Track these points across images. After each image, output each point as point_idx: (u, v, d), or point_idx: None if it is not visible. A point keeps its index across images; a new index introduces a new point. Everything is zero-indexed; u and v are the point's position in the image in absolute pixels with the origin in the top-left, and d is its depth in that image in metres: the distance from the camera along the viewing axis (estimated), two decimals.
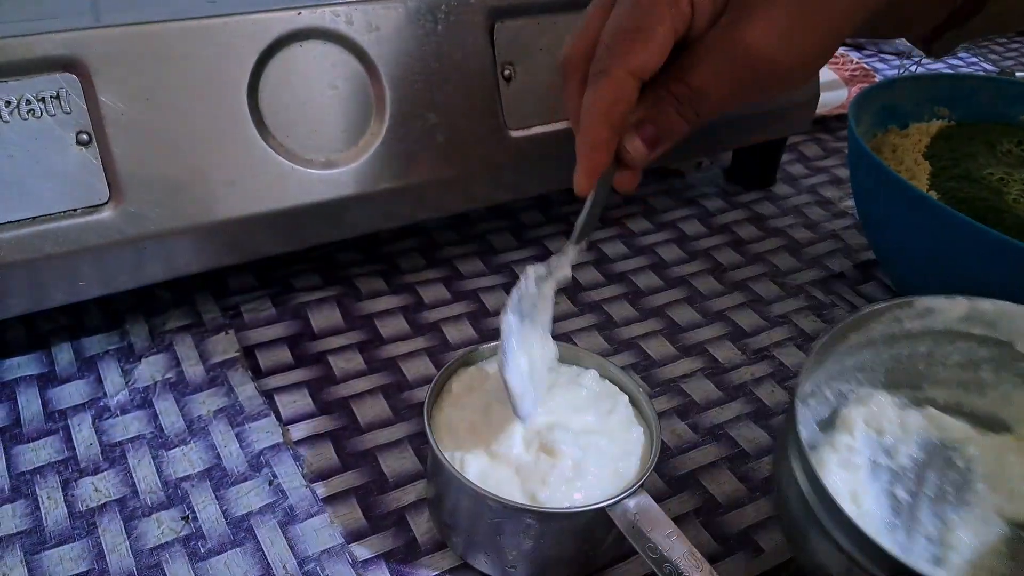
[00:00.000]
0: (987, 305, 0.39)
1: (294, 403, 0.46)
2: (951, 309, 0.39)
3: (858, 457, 0.37)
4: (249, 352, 0.49)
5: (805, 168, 0.75)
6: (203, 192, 0.43)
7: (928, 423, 0.39)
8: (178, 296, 0.52)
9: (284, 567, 0.38)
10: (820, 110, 0.75)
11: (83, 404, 0.45)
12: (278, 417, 0.45)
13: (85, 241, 0.41)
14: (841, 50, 1.00)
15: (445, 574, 0.38)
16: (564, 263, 0.37)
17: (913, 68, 0.96)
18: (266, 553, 0.39)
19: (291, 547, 0.39)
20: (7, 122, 0.38)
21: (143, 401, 0.45)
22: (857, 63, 0.94)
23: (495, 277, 0.57)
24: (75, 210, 0.41)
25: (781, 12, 0.33)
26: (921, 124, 0.60)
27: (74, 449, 0.43)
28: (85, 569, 0.37)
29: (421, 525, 0.40)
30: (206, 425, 0.44)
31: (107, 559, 0.38)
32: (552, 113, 0.52)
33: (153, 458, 0.42)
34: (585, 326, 0.54)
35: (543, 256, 0.59)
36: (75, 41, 0.39)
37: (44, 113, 0.39)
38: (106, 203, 0.41)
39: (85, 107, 0.40)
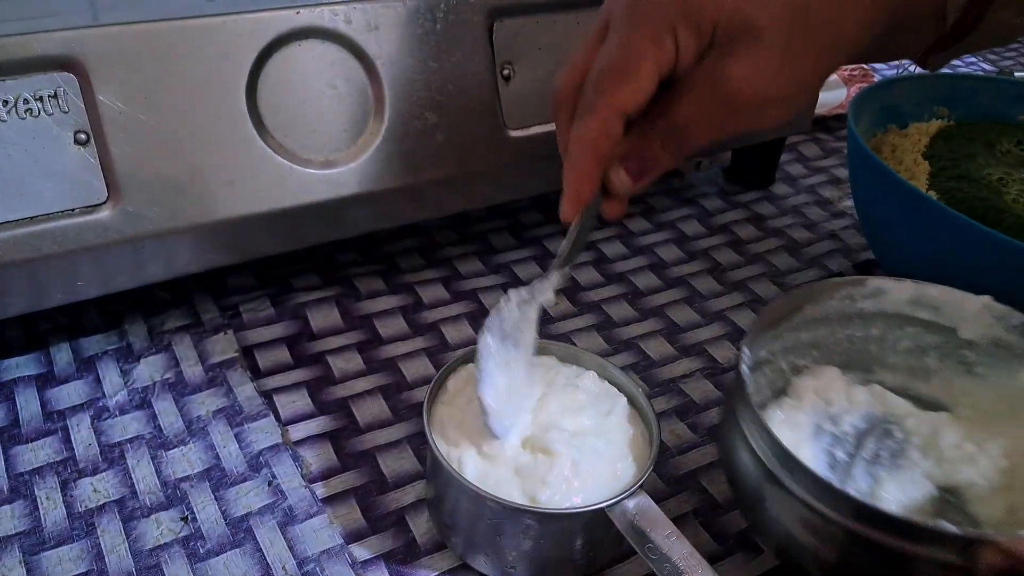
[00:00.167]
0: (933, 290, 0.41)
1: (293, 403, 0.46)
2: (899, 291, 0.41)
3: (803, 420, 0.40)
4: (248, 352, 0.49)
5: (804, 168, 0.75)
6: (202, 192, 0.43)
7: (873, 398, 0.42)
8: (177, 296, 0.52)
9: (283, 568, 0.38)
10: (819, 110, 0.75)
11: (82, 404, 0.45)
12: (277, 417, 0.45)
13: (83, 241, 0.41)
14: None
15: (444, 575, 0.38)
16: (547, 287, 0.38)
17: (912, 68, 0.96)
18: (265, 554, 0.38)
19: (290, 548, 0.39)
20: (5, 121, 0.38)
21: (142, 401, 0.45)
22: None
23: (494, 277, 0.57)
24: (73, 210, 0.40)
25: (764, 52, 0.33)
26: (920, 124, 0.60)
27: (73, 450, 0.42)
28: (84, 570, 0.37)
29: (420, 526, 0.40)
30: (205, 425, 0.44)
31: (106, 560, 0.38)
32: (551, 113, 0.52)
33: (152, 458, 0.42)
34: (584, 326, 0.54)
35: (542, 256, 0.59)
36: (73, 40, 0.39)
37: (42, 112, 0.39)
38: (104, 203, 0.41)
39: (83, 106, 0.39)
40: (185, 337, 0.50)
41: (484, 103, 0.49)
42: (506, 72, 0.50)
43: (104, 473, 0.41)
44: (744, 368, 0.36)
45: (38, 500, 0.40)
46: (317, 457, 0.43)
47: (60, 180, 0.40)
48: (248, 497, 0.41)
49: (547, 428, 0.37)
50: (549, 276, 0.38)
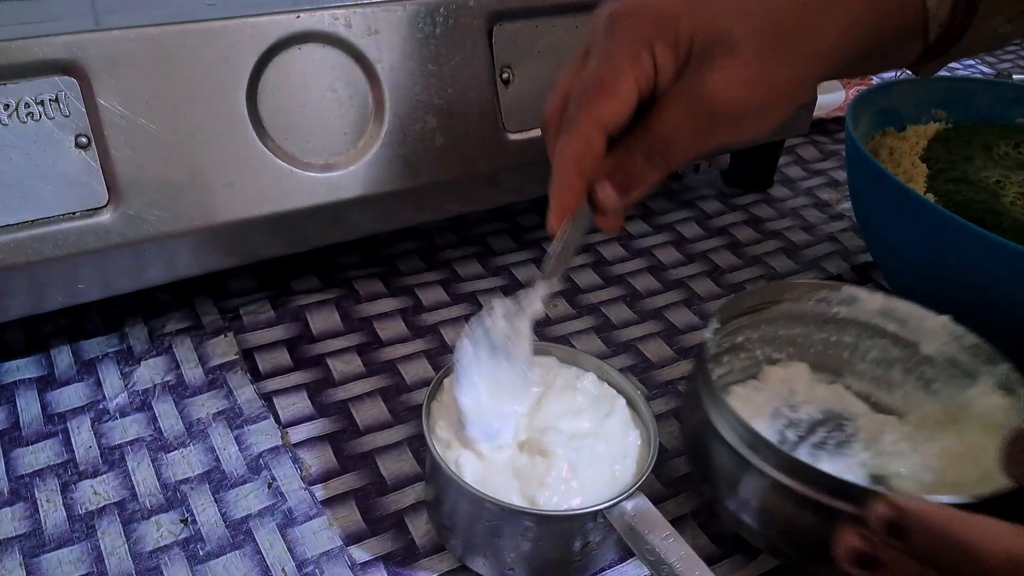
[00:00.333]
0: (900, 304, 0.44)
1: (293, 406, 0.46)
2: (871, 301, 0.44)
3: (764, 401, 0.44)
4: (248, 355, 0.49)
5: (803, 170, 0.76)
6: (202, 195, 0.43)
7: (834, 396, 0.45)
8: (177, 299, 0.52)
9: (283, 570, 0.38)
10: (818, 112, 0.75)
11: (82, 407, 0.45)
12: (277, 420, 0.45)
13: (84, 244, 0.41)
14: None
15: None
16: (534, 298, 0.38)
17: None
18: (265, 556, 0.39)
19: (290, 550, 0.39)
20: (6, 125, 0.38)
21: (142, 404, 0.45)
22: None
23: (494, 279, 0.57)
24: (74, 213, 0.41)
25: (739, 61, 0.34)
26: (918, 127, 0.60)
27: (73, 452, 0.43)
28: (84, 572, 0.37)
29: (420, 527, 0.40)
30: (205, 428, 0.44)
31: (106, 562, 0.38)
32: None
33: (152, 461, 0.42)
34: (583, 328, 0.54)
35: (541, 258, 0.59)
36: (74, 44, 0.39)
37: (43, 116, 0.39)
38: (105, 206, 0.41)
39: (84, 110, 0.40)
40: (185, 339, 0.50)
41: (484, 106, 0.49)
42: (505, 75, 0.50)
43: (104, 475, 0.42)
44: (708, 335, 0.40)
45: (38, 502, 0.40)
46: (317, 459, 0.43)
47: (61, 183, 0.40)
48: (248, 499, 0.41)
49: (545, 430, 0.37)
50: (536, 288, 0.38)
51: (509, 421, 0.38)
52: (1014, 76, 0.98)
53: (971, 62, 1.04)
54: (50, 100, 0.39)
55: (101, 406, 0.45)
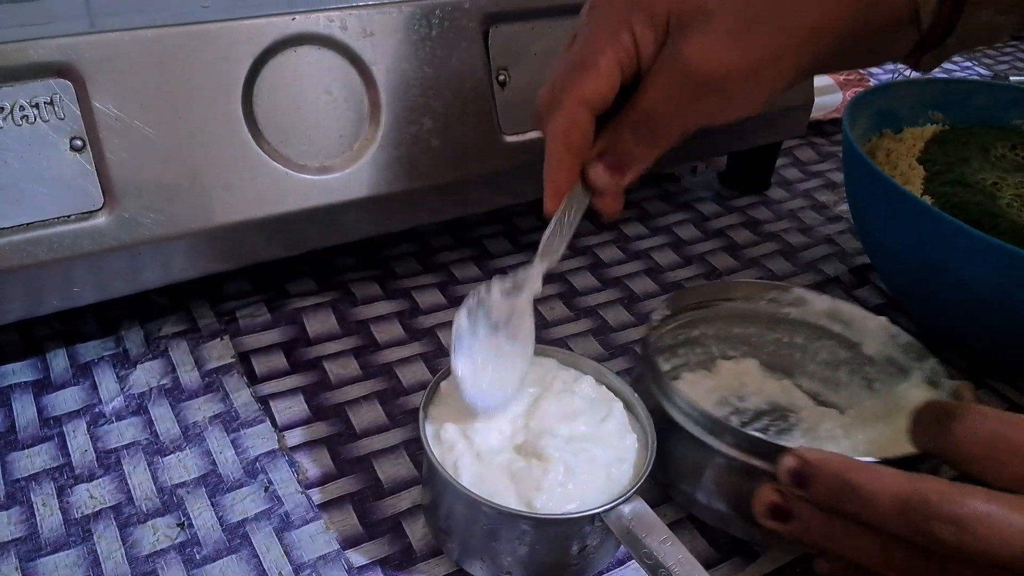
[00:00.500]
0: (845, 306, 0.46)
1: (289, 409, 0.46)
2: (818, 303, 0.47)
3: (712, 387, 0.46)
4: (244, 358, 0.49)
5: (800, 172, 0.76)
6: (198, 198, 0.43)
7: (782, 391, 0.47)
8: (173, 302, 0.52)
9: (280, 573, 0.38)
10: (815, 114, 0.75)
11: (78, 410, 0.45)
12: (273, 423, 0.45)
13: (79, 247, 0.41)
14: None
15: None
16: (533, 276, 0.39)
17: (907, 72, 0.96)
18: (262, 559, 0.38)
19: (287, 554, 0.39)
20: (1, 128, 0.38)
21: (138, 407, 0.45)
22: None
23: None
24: (69, 216, 0.41)
25: (715, 29, 0.35)
26: (915, 128, 0.60)
27: (69, 456, 0.42)
28: None
29: (417, 531, 0.40)
30: (201, 431, 0.44)
31: (102, 566, 0.38)
32: None
33: (148, 465, 0.42)
34: (581, 331, 0.54)
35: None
36: (69, 47, 0.39)
37: (38, 119, 0.39)
38: (100, 209, 0.41)
39: (79, 113, 0.39)
40: (181, 343, 0.50)
41: (480, 108, 0.49)
42: (501, 77, 0.50)
43: (100, 479, 0.41)
44: (654, 317, 0.44)
45: (34, 506, 0.40)
46: (313, 463, 0.43)
47: (56, 186, 0.40)
48: (244, 503, 0.41)
49: (542, 433, 0.37)
50: (533, 266, 0.39)
51: (510, 396, 0.38)
52: (1011, 78, 0.98)
53: (968, 63, 1.05)
54: (45, 103, 0.39)
55: (97, 409, 0.45)
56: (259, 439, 0.44)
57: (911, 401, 0.42)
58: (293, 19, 0.43)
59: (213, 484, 0.42)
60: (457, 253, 0.60)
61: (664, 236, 0.64)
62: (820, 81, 0.87)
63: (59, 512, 0.40)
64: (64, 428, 0.44)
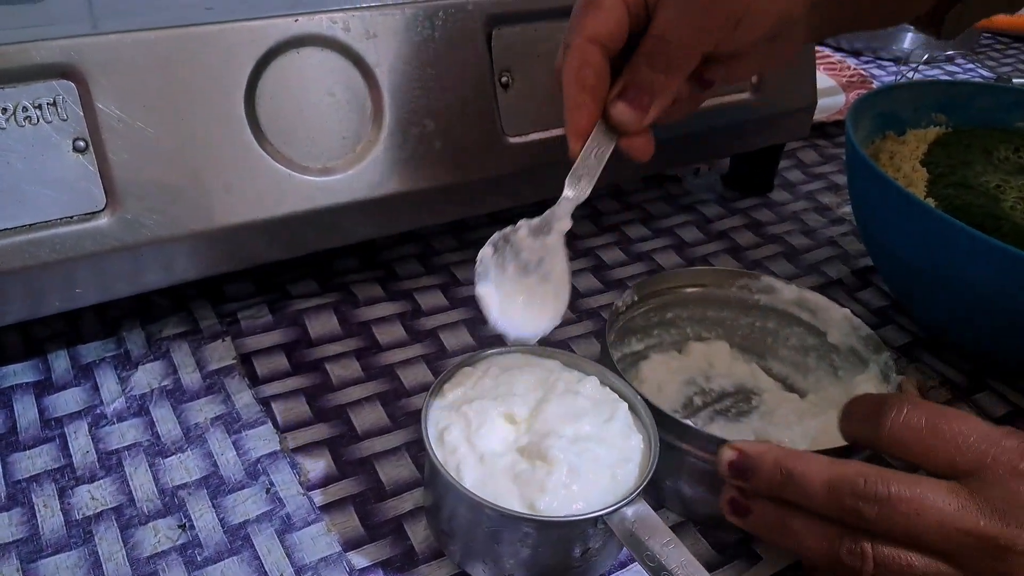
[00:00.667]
0: (811, 296, 0.48)
1: (291, 410, 0.46)
2: (786, 292, 0.49)
3: (680, 368, 0.48)
4: (246, 359, 0.49)
5: (803, 174, 0.76)
6: (200, 199, 0.43)
7: (749, 374, 0.49)
8: (175, 303, 0.52)
9: (281, 575, 0.38)
10: (818, 116, 0.75)
11: (79, 412, 0.45)
12: (275, 425, 0.45)
13: (82, 248, 0.41)
14: (839, 56, 1.00)
15: None
16: (561, 213, 0.39)
17: (911, 75, 0.96)
18: (263, 561, 0.38)
19: (288, 555, 0.39)
20: (4, 129, 0.38)
21: (140, 409, 0.45)
22: (855, 69, 0.94)
23: None
24: (72, 217, 0.41)
25: None
26: (919, 131, 0.60)
27: (70, 457, 0.42)
28: None
29: (419, 533, 0.40)
30: (203, 433, 0.44)
31: (103, 567, 0.38)
32: (549, 120, 0.52)
33: (150, 466, 0.42)
34: (583, 332, 0.54)
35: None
36: (72, 48, 0.39)
37: (41, 120, 0.39)
38: (103, 210, 0.41)
39: (82, 114, 0.39)
40: (183, 344, 0.50)
41: (482, 110, 0.49)
42: (504, 79, 0.50)
43: (102, 480, 0.41)
44: (619, 303, 0.46)
45: (36, 507, 0.40)
46: (315, 464, 0.43)
47: (59, 187, 0.40)
48: (246, 505, 0.41)
49: (546, 435, 0.37)
50: (560, 204, 0.39)
51: (545, 329, 0.39)
52: (1014, 80, 0.98)
53: (971, 66, 1.05)
54: (48, 104, 0.39)
55: (98, 411, 0.45)
56: (260, 440, 0.44)
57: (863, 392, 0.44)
58: (296, 20, 0.43)
59: (214, 486, 0.42)
60: (459, 255, 0.60)
61: (666, 238, 0.64)
62: (823, 83, 0.87)
63: (60, 513, 0.40)
64: (65, 429, 0.44)
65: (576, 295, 0.57)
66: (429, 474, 0.38)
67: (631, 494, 0.35)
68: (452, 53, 0.47)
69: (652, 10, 0.38)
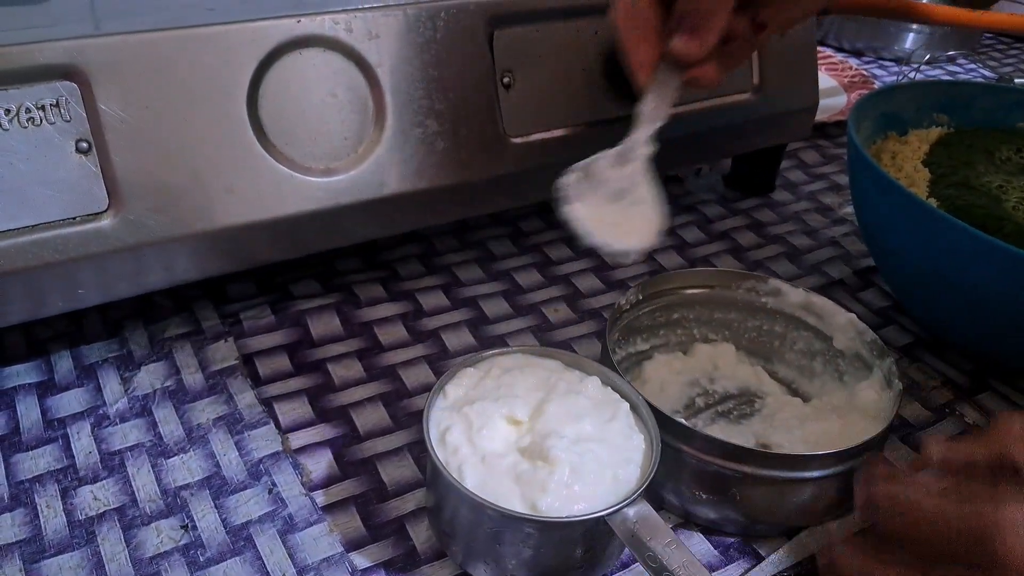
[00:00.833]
0: (818, 300, 0.48)
1: (293, 411, 0.46)
2: (793, 295, 0.49)
3: (684, 369, 0.48)
4: (248, 360, 0.49)
5: (804, 175, 0.76)
6: (202, 200, 0.43)
7: (753, 376, 0.49)
8: (177, 304, 0.52)
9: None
10: (820, 116, 0.75)
11: (82, 412, 0.45)
12: (277, 425, 0.45)
13: (84, 249, 0.41)
14: (840, 56, 1.00)
15: None
16: (639, 140, 0.40)
17: (912, 75, 0.96)
18: (265, 562, 0.38)
19: (290, 556, 0.39)
20: (7, 130, 0.38)
21: (142, 409, 0.45)
22: (856, 69, 0.94)
23: (495, 284, 0.57)
24: (74, 218, 0.41)
25: None
26: (920, 131, 0.60)
27: (73, 457, 0.42)
28: None
29: (420, 534, 0.40)
30: (205, 433, 0.44)
31: (106, 568, 0.38)
32: (551, 120, 0.52)
33: (152, 466, 0.42)
34: (585, 333, 0.54)
35: (543, 263, 0.59)
36: (75, 49, 0.39)
37: (44, 121, 0.39)
38: (105, 211, 0.41)
39: (85, 115, 0.40)
40: (185, 345, 0.50)
41: (484, 111, 0.49)
42: (506, 80, 0.50)
43: (104, 481, 0.41)
44: (623, 301, 0.46)
45: (38, 508, 0.40)
46: (317, 465, 0.43)
47: (61, 188, 0.40)
48: (248, 505, 0.41)
49: (547, 435, 0.37)
50: (636, 132, 0.40)
51: (649, 242, 0.40)
52: (1016, 80, 0.98)
53: (973, 66, 1.04)
54: (51, 105, 0.39)
55: (101, 411, 0.45)
56: (263, 441, 0.44)
57: (864, 400, 0.44)
58: (298, 21, 0.43)
59: (217, 486, 0.42)
60: (461, 255, 0.60)
61: (668, 239, 0.64)
62: (825, 83, 0.87)
63: (63, 514, 0.40)
64: (68, 430, 0.44)
65: (577, 295, 0.57)
66: (431, 475, 0.39)
67: (633, 494, 0.35)
68: (454, 54, 0.47)
69: None
